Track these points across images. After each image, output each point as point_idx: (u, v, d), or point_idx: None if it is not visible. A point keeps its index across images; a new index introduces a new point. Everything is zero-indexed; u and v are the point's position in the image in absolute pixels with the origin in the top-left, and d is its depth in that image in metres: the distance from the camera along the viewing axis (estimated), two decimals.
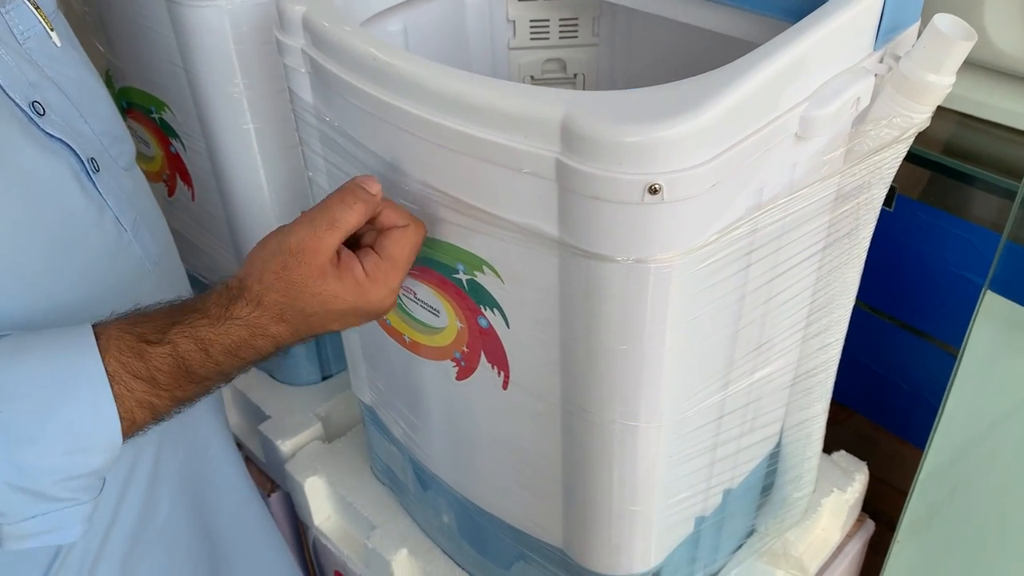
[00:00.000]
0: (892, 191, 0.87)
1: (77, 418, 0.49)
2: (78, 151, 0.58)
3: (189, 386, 0.52)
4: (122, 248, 0.62)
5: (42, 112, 0.56)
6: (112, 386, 0.49)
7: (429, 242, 0.61)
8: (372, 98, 0.58)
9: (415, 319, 0.68)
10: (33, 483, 0.48)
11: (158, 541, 0.69)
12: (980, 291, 0.69)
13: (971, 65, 0.80)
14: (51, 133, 0.56)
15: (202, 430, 0.76)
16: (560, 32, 0.90)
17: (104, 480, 0.52)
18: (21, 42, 0.57)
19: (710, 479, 0.71)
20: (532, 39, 0.91)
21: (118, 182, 0.63)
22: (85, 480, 0.50)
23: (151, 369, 0.50)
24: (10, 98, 0.54)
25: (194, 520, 0.74)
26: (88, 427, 0.49)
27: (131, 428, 0.50)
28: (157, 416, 0.52)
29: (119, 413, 0.49)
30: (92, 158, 0.60)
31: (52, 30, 0.60)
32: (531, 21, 0.90)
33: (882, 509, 0.97)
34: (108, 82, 1.02)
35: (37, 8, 0.59)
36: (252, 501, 0.85)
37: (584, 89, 0.94)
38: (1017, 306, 0.67)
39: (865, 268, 0.69)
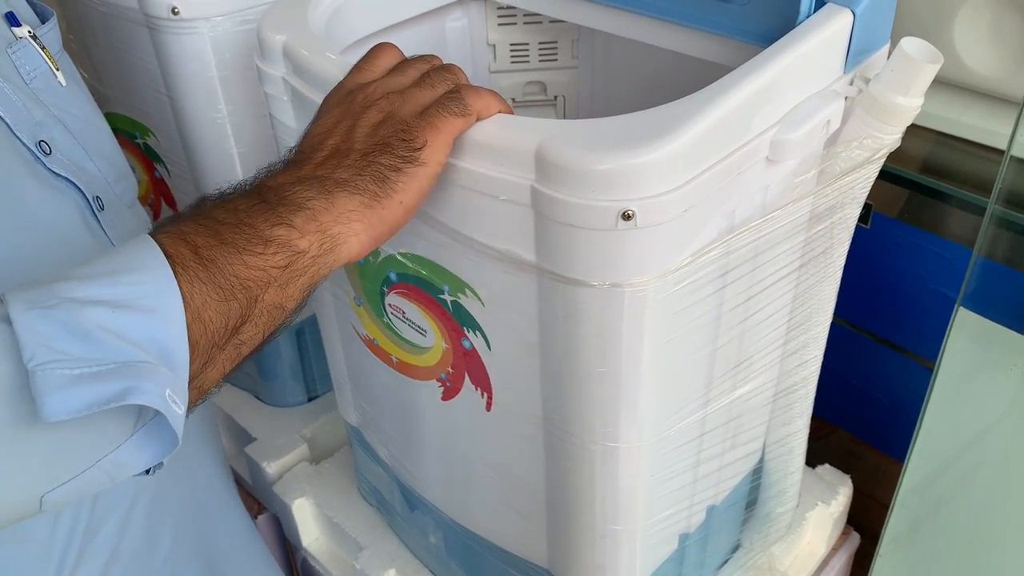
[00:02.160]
0: (868, 208, 0.88)
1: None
2: (84, 190, 0.58)
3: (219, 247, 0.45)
4: None
5: (48, 151, 0.56)
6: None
7: (419, 260, 0.61)
8: None
9: (403, 339, 0.69)
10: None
11: None
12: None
13: (944, 84, 0.81)
14: (58, 172, 0.56)
15: (203, 466, 0.75)
16: (540, 55, 0.91)
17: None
18: (28, 81, 0.57)
19: (693, 496, 0.72)
20: (512, 62, 0.92)
21: (122, 220, 0.62)
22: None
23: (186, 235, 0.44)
24: (17, 137, 0.54)
25: (198, 556, 0.73)
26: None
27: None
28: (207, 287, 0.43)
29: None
30: (97, 196, 0.59)
31: (58, 69, 0.60)
32: (511, 45, 0.91)
33: (867, 523, 0.97)
34: None
35: (43, 48, 0.59)
36: (254, 537, 0.84)
37: (564, 110, 0.95)
38: (989, 322, 0.68)
39: (844, 285, 0.70)
